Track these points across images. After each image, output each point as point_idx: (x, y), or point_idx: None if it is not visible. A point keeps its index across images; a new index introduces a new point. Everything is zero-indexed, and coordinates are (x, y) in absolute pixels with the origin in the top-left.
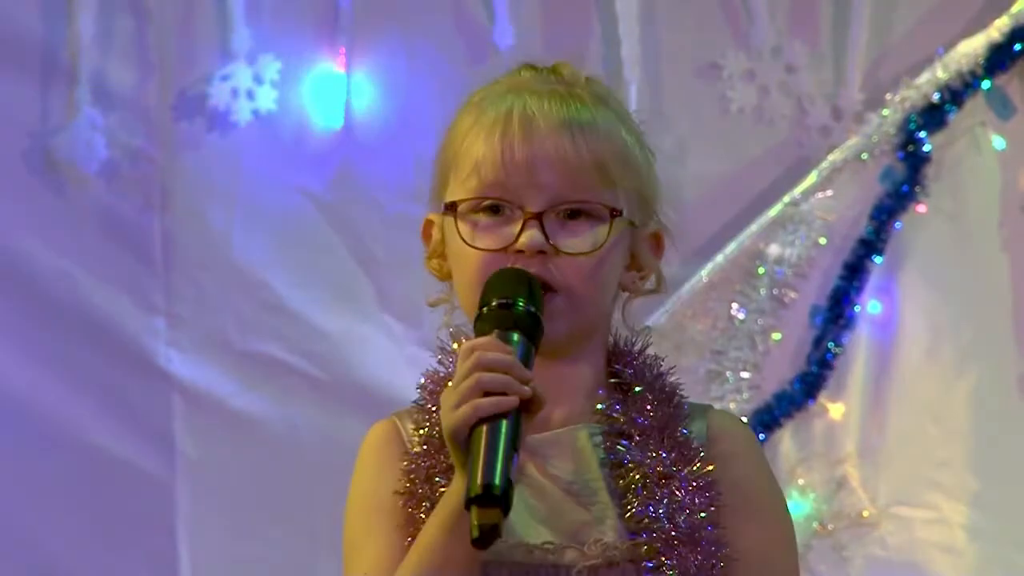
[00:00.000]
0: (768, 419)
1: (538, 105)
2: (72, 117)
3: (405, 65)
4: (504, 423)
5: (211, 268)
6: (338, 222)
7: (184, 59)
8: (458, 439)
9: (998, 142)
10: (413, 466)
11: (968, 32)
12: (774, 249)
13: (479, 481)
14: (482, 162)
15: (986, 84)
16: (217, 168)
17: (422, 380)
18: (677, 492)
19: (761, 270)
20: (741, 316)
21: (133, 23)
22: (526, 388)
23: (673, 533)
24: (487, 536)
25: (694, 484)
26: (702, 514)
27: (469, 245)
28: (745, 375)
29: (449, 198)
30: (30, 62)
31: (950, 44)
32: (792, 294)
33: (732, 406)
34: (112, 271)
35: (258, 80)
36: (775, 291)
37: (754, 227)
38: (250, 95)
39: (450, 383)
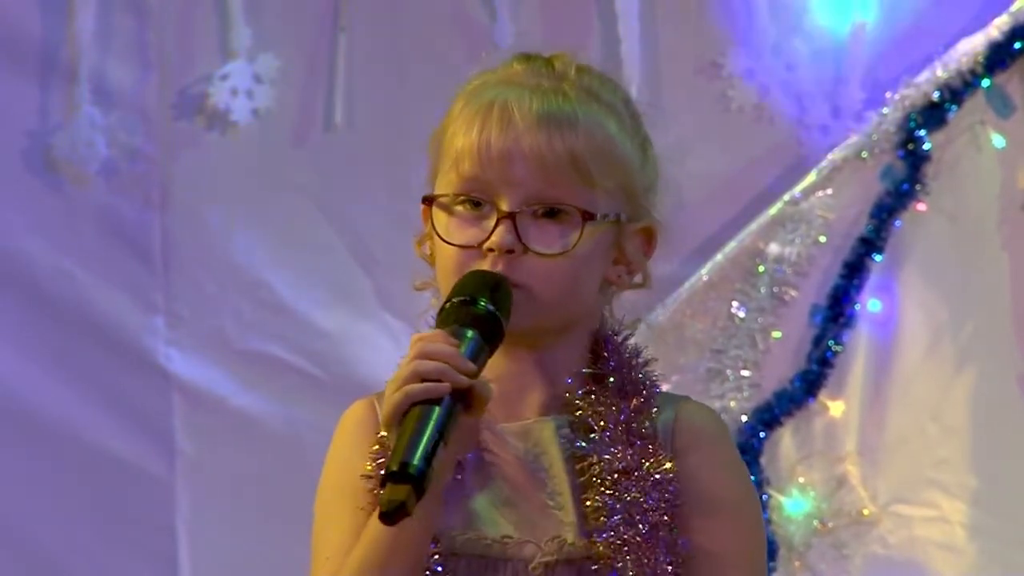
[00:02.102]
0: (768, 417)
1: (518, 100)
2: (71, 116)
3: (405, 64)
4: (436, 409)
5: (211, 267)
6: (338, 221)
7: (184, 58)
8: (392, 424)
9: (998, 140)
10: (382, 450)
11: (968, 31)
12: (774, 247)
13: (397, 459)
14: (461, 156)
15: (986, 82)
16: (217, 167)
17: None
18: (636, 489)
19: (761, 268)
20: (741, 314)
21: (133, 22)
22: (462, 378)
23: (631, 532)
24: (393, 513)
25: (654, 481)
26: (661, 512)
27: (443, 240)
28: (745, 373)
29: (432, 190)
30: (29, 61)
31: (950, 43)
32: (792, 292)
33: (732, 404)
34: (112, 270)
35: (258, 79)
36: (775, 289)
37: (754, 226)
38: (250, 94)
39: None
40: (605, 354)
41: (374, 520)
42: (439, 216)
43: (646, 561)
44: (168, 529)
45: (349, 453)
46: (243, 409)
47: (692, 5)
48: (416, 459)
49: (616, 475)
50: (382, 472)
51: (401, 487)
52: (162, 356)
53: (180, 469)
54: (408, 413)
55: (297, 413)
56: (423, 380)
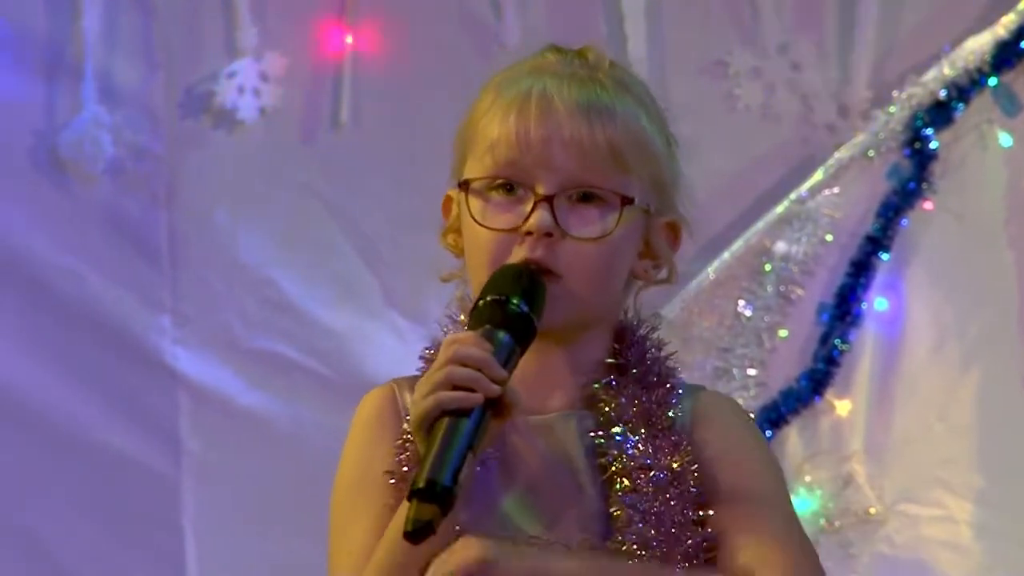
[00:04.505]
0: (775, 416)
1: (557, 87)
2: (78, 115)
3: (411, 63)
4: (466, 421)
5: (217, 266)
6: (344, 220)
7: (190, 56)
8: (421, 429)
9: (1005, 139)
10: (407, 444)
11: (975, 29)
12: (781, 246)
13: (424, 475)
14: (497, 141)
15: (993, 81)
16: (223, 166)
17: (425, 352)
18: (655, 484)
19: (768, 267)
20: (748, 313)
21: (139, 20)
22: (495, 387)
23: (653, 528)
24: (420, 532)
25: (675, 474)
26: (683, 504)
27: (479, 224)
28: (752, 372)
29: (465, 175)
30: (36, 60)
31: (957, 41)
32: (799, 291)
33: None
34: (118, 269)
35: (264, 77)
36: (782, 288)
37: (761, 224)
38: (256, 92)
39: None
40: (626, 346)
41: (396, 521)
42: (473, 202)
43: (669, 555)
44: (175, 528)
45: (369, 447)
46: (249, 408)
47: (698, 4)
48: (444, 477)
49: (638, 471)
50: (405, 469)
51: (427, 507)
52: (168, 355)
53: (186, 468)
54: (437, 421)
55: (303, 411)
56: (455, 387)
